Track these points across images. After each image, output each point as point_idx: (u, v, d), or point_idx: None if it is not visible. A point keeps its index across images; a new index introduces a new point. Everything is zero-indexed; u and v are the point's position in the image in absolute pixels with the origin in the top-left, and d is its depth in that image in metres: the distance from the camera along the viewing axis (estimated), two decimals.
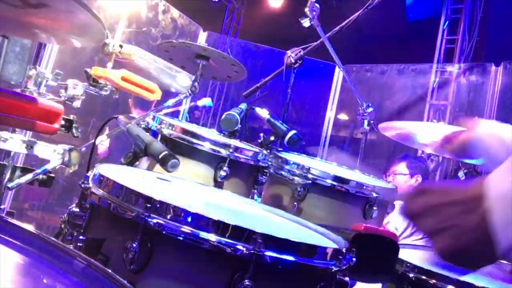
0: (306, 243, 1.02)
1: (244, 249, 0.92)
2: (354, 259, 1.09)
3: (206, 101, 4.04)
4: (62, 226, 1.45)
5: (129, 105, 4.53)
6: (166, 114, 2.22)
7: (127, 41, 2.12)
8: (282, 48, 3.65)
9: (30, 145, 1.79)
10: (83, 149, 2.14)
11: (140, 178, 1.35)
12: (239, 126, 2.03)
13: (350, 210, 1.86)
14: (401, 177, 4.08)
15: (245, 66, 2.31)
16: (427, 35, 6.33)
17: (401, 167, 4.13)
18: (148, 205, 0.96)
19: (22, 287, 0.64)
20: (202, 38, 6.26)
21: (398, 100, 5.84)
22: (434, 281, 1.24)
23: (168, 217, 0.95)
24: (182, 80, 2.28)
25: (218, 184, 1.76)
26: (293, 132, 2.08)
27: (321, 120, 6.03)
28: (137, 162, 1.45)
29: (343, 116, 6.29)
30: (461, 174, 3.45)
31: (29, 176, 1.84)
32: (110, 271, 0.69)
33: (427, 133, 2.76)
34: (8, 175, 1.81)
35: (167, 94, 2.76)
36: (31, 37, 1.88)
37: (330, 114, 6.02)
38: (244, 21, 7.69)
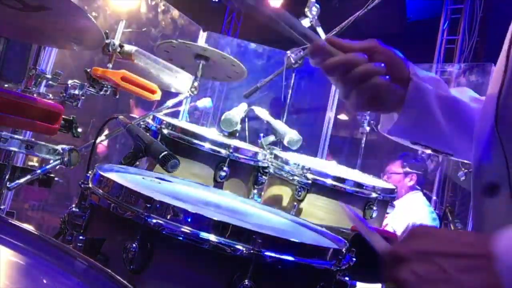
0: (306, 243, 1.02)
1: (244, 249, 0.92)
2: (354, 259, 1.09)
3: (206, 102, 4.04)
4: (62, 226, 1.45)
5: (130, 105, 4.54)
6: (166, 114, 2.22)
7: (127, 41, 2.11)
8: (282, 48, 3.65)
9: (30, 145, 1.79)
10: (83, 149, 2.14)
11: (140, 178, 1.35)
12: (239, 126, 2.03)
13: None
14: (395, 176, 4.08)
15: (245, 66, 2.31)
16: (427, 35, 6.33)
17: (396, 166, 4.13)
18: (148, 205, 0.96)
19: (22, 287, 0.64)
20: (202, 38, 6.26)
21: None
22: None
23: (168, 217, 0.95)
24: (184, 80, 2.28)
25: (218, 184, 1.77)
26: (293, 132, 2.09)
27: (321, 120, 6.03)
28: (137, 162, 1.45)
29: (343, 116, 6.29)
30: (460, 173, 3.44)
31: (29, 176, 1.84)
32: (110, 271, 0.69)
33: None
34: (8, 175, 1.81)
35: (167, 94, 2.76)
36: (31, 41, 1.88)
37: (330, 114, 6.02)
38: (244, 21, 7.69)
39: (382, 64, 0.93)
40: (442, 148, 1.12)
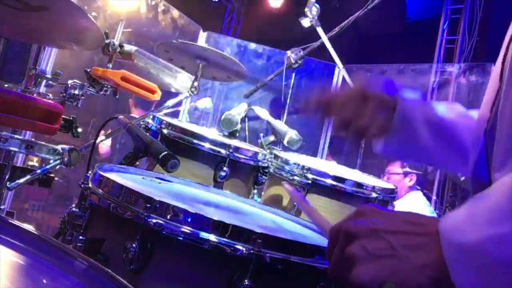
0: (306, 243, 1.02)
1: (244, 249, 0.92)
2: None
3: (206, 102, 4.04)
4: (62, 226, 1.45)
5: (129, 105, 4.54)
6: (166, 114, 2.22)
7: (127, 41, 2.11)
8: (282, 48, 3.65)
9: (30, 145, 1.79)
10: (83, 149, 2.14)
11: (140, 178, 1.35)
12: (239, 126, 2.03)
13: (350, 210, 1.86)
14: (395, 176, 4.08)
15: (245, 66, 2.31)
16: (427, 35, 6.33)
17: (395, 167, 4.14)
18: (148, 205, 0.96)
19: (22, 287, 0.64)
20: (202, 38, 6.26)
21: None
22: None
23: (168, 217, 0.95)
24: (184, 80, 2.28)
25: (218, 184, 1.77)
26: (293, 132, 2.09)
27: (321, 120, 6.01)
28: (137, 162, 1.45)
29: None
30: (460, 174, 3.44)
31: (29, 176, 1.84)
32: (110, 271, 0.69)
33: None
34: (8, 175, 1.81)
35: (167, 94, 2.76)
36: (31, 41, 1.88)
37: None
38: (244, 21, 7.70)
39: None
40: (432, 165, 1.22)
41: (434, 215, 4.10)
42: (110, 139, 4.20)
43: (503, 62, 0.90)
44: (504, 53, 0.92)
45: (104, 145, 4.24)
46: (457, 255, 0.62)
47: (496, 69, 0.95)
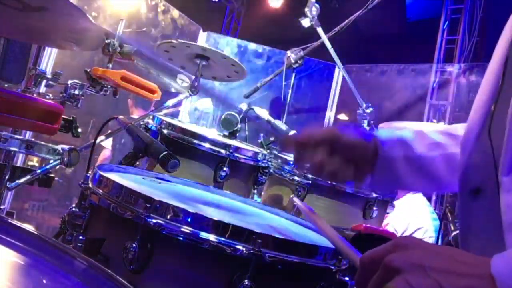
0: (306, 243, 1.02)
1: (244, 249, 0.92)
2: None
3: (206, 103, 4.04)
4: (62, 226, 1.45)
5: (128, 105, 4.53)
6: (166, 114, 2.22)
7: (127, 41, 2.11)
8: (282, 48, 3.65)
9: (30, 145, 1.79)
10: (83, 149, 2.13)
11: (140, 178, 1.35)
12: (239, 126, 2.03)
13: (350, 210, 1.86)
14: None
15: (245, 66, 2.31)
16: (427, 35, 6.33)
17: None
18: (148, 205, 0.96)
19: (22, 287, 0.64)
20: (202, 38, 6.26)
21: (398, 100, 5.84)
22: None
23: (168, 217, 0.95)
24: (183, 80, 2.28)
25: (218, 184, 1.77)
26: (293, 132, 2.09)
27: (321, 120, 6.03)
28: (137, 162, 1.45)
29: (343, 116, 6.29)
30: None
31: (29, 176, 1.84)
32: (110, 271, 0.69)
33: None
34: (8, 175, 1.81)
35: (167, 94, 2.76)
36: (31, 41, 1.88)
37: (330, 114, 6.02)
38: (244, 21, 7.70)
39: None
40: (412, 191, 1.33)
41: (434, 215, 4.10)
42: (111, 144, 4.20)
43: (505, 62, 0.90)
44: (506, 52, 0.91)
45: (105, 148, 4.23)
46: None
47: (491, 69, 0.94)
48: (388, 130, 1.16)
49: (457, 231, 2.74)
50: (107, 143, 4.10)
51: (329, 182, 1.80)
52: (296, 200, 1.26)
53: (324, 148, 1.05)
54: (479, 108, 0.94)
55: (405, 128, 1.16)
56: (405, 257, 0.65)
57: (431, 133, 1.16)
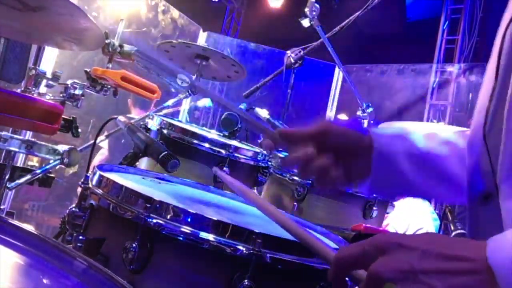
0: None
1: (244, 249, 0.92)
2: None
3: (206, 102, 4.04)
4: (62, 226, 1.45)
5: (128, 105, 4.54)
6: (166, 114, 2.22)
7: (127, 41, 2.11)
8: (282, 48, 3.65)
9: (30, 145, 1.79)
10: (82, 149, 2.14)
11: (140, 178, 1.35)
12: (239, 126, 2.03)
13: (350, 210, 1.86)
14: None
15: (245, 66, 2.31)
16: (427, 35, 6.34)
17: None
18: (148, 205, 0.96)
19: (22, 287, 0.64)
20: (202, 38, 6.26)
21: (398, 100, 5.84)
22: None
23: (168, 217, 0.95)
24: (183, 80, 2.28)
25: (218, 184, 1.76)
26: None
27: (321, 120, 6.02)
28: (137, 162, 1.45)
29: (343, 116, 6.29)
30: None
31: (29, 176, 1.84)
32: (110, 271, 0.69)
33: None
34: (8, 175, 1.81)
35: (167, 94, 2.76)
36: (31, 41, 1.88)
37: (330, 114, 6.02)
38: (244, 21, 7.70)
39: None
40: (427, 199, 1.18)
41: (434, 215, 4.10)
42: (107, 143, 4.20)
43: (498, 60, 0.87)
44: (499, 50, 0.88)
45: (102, 148, 4.21)
46: None
47: (489, 70, 0.91)
48: (386, 127, 1.08)
49: (457, 231, 2.73)
50: (104, 143, 4.10)
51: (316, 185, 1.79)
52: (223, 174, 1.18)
53: (314, 144, 0.96)
54: (481, 108, 0.90)
55: (409, 127, 1.06)
56: (393, 265, 0.60)
57: (442, 132, 1.06)
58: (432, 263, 0.58)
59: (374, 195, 1.04)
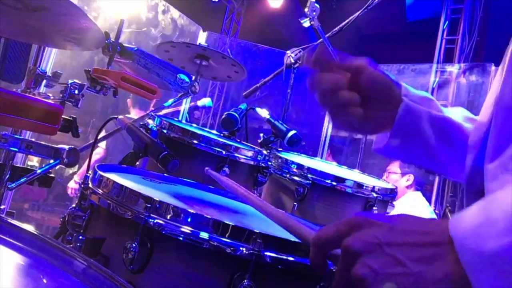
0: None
1: (244, 249, 0.92)
2: None
3: (206, 101, 4.04)
4: (62, 226, 1.45)
5: (127, 105, 4.54)
6: (166, 114, 2.22)
7: (127, 41, 2.12)
8: (282, 48, 3.65)
9: (30, 145, 1.79)
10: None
11: (140, 178, 1.35)
12: (239, 126, 2.03)
13: (350, 210, 1.86)
14: (393, 175, 4.10)
15: (245, 66, 2.31)
16: (427, 35, 6.34)
17: (395, 166, 4.14)
18: (148, 205, 0.96)
19: (22, 287, 0.64)
20: (202, 38, 6.26)
21: None
22: None
23: (168, 217, 0.95)
24: (183, 79, 2.28)
25: (218, 184, 1.76)
26: (293, 132, 2.08)
27: (321, 120, 6.03)
28: (137, 163, 1.45)
29: None
30: None
31: (29, 176, 1.84)
32: (110, 271, 0.69)
33: None
34: (8, 175, 1.81)
35: (167, 94, 2.76)
36: (31, 41, 1.88)
37: None
38: (244, 21, 7.70)
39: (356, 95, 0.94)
40: (434, 169, 1.15)
41: (434, 215, 4.10)
42: (105, 143, 4.19)
43: (509, 64, 0.89)
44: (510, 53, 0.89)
45: (99, 147, 4.20)
46: (480, 264, 0.57)
47: (499, 70, 0.94)
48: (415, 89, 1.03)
49: None
50: (102, 143, 4.10)
51: (329, 183, 1.79)
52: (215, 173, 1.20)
53: (344, 74, 0.94)
54: (486, 107, 0.92)
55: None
56: (361, 238, 0.63)
57: (466, 112, 1.09)
58: (396, 237, 0.62)
59: (386, 153, 1.03)
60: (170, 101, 2.48)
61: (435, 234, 0.62)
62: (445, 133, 1.02)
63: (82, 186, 1.12)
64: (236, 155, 1.78)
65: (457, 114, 1.07)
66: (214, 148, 1.75)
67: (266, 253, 0.93)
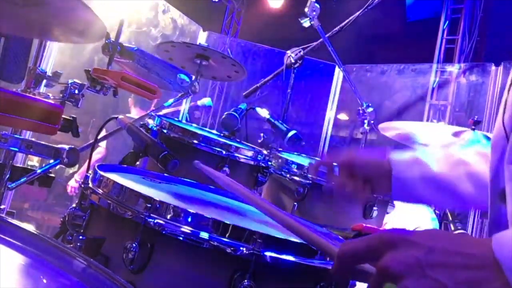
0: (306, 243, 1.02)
1: (244, 249, 0.92)
2: None
3: (206, 101, 4.04)
4: (62, 226, 1.45)
5: (128, 104, 4.54)
6: (166, 114, 2.22)
7: (127, 41, 2.11)
8: (282, 48, 3.65)
9: (30, 145, 1.79)
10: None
11: (140, 178, 1.35)
12: (239, 126, 2.03)
13: (350, 210, 1.86)
14: None
15: (245, 66, 2.31)
16: (427, 35, 6.33)
17: None
18: (148, 205, 0.96)
19: (22, 287, 0.64)
20: (202, 38, 6.26)
21: (398, 100, 5.84)
22: None
23: (168, 217, 0.95)
24: (183, 79, 2.28)
25: (218, 185, 1.76)
26: (293, 132, 2.08)
27: (321, 120, 6.03)
28: (137, 162, 1.45)
29: (343, 116, 6.29)
30: None
31: (29, 176, 1.84)
32: (110, 271, 0.69)
33: (427, 133, 2.75)
34: (8, 175, 1.81)
35: (167, 94, 2.75)
36: (33, 36, 1.88)
37: (330, 114, 6.02)
38: (244, 21, 7.69)
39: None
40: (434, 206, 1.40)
41: (433, 215, 4.09)
42: (105, 142, 4.19)
43: None
44: None
45: (99, 147, 4.20)
46: None
47: None
48: (403, 153, 1.20)
49: (457, 231, 2.74)
50: (102, 142, 4.10)
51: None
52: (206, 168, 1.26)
53: (345, 170, 1.17)
54: (503, 103, 0.92)
55: (427, 150, 1.23)
56: (400, 259, 0.60)
57: (459, 151, 1.17)
58: (439, 258, 0.59)
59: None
60: (170, 101, 2.48)
61: (479, 256, 0.59)
62: (440, 187, 1.14)
63: (82, 186, 1.12)
64: (236, 155, 1.78)
65: (446, 162, 1.17)
66: (214, 148, 1.75)
67: (266, 253, 0.93)
